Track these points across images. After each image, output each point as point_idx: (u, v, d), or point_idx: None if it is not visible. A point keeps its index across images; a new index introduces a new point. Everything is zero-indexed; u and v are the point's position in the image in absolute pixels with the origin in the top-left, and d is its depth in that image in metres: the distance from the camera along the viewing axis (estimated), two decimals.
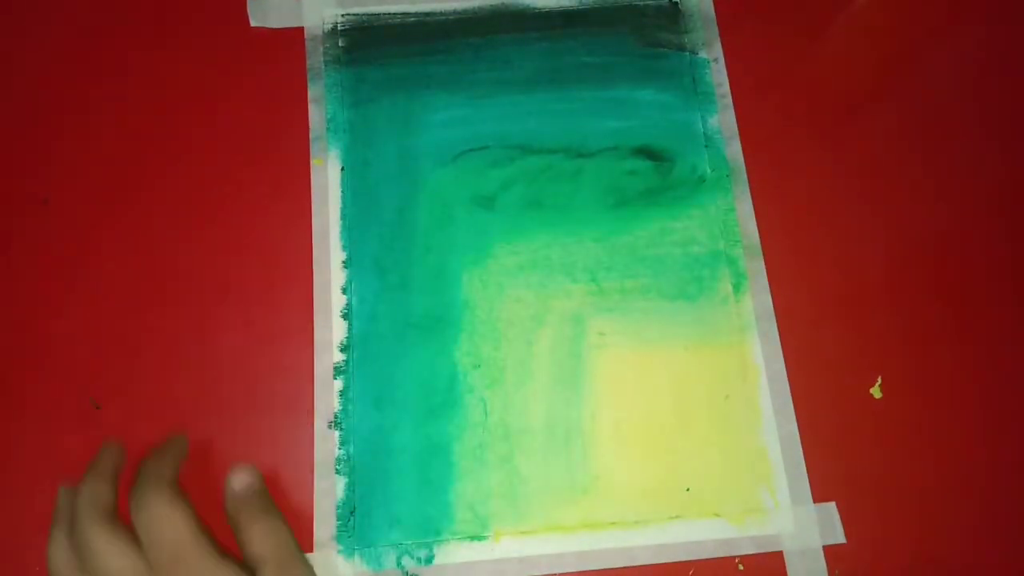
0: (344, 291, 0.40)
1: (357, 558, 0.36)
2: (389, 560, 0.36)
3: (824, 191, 0.42)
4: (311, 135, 0.42)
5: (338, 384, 0.38)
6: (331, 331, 0.39)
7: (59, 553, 0.31)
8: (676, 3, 0.46)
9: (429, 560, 0.36)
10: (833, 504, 0.37)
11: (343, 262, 0.40)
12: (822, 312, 0.40)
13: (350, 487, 0.37)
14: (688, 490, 0.37)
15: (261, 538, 0.32)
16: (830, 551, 0.36)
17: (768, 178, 0.42)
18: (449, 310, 0.39)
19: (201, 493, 0.33)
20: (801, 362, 0.39)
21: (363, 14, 0.45)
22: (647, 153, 0.42)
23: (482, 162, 0.42)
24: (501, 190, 0.42)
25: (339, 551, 0.36)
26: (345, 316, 0.39)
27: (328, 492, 0.37)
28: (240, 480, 0.34)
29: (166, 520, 0.30)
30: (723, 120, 0.43)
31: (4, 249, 0.40)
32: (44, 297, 0.39)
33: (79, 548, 0.31)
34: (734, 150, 0.43)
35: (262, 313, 0.39)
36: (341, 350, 0.39)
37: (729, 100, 0.44)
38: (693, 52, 0.45)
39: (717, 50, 0.45)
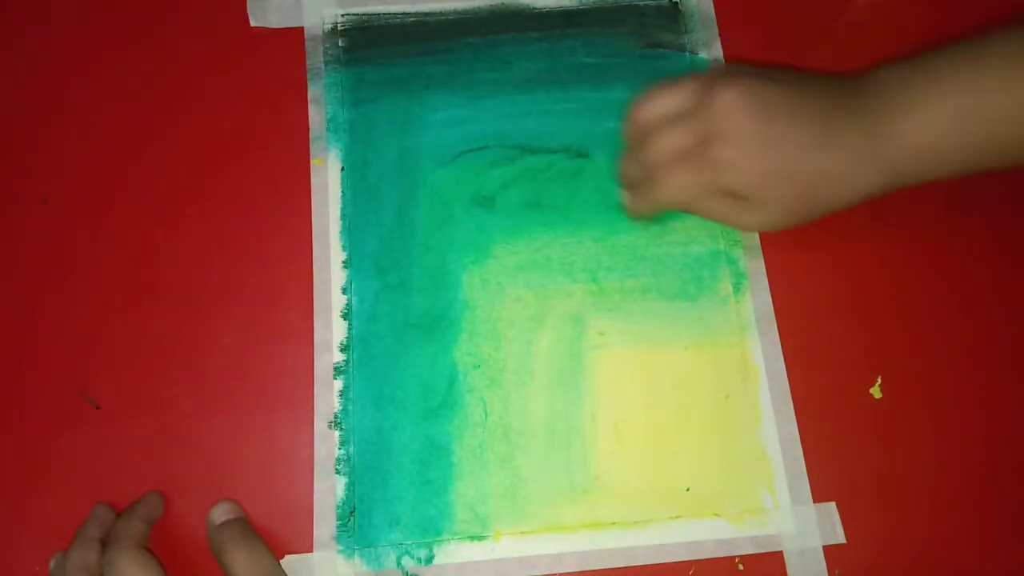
0: (344, 291, 0.40)
1: (357, 558, 0.36)
2: (389, 560, 0.36)
3: None
4: (311, 135, 0.42)
5: (338, 384, 0.38)
6: (331, 331, 0.39)
7: None
8: (676, 3, 0.46)
9: (429, 560, 0.36)
10: (833, 504, 0.37)
11: (343, 262, 0.40)
12: (822, 312, 0.40)
13: (350, 487, 0.37)
14: (688, 490, 0.37)
15: (245, 566, 0.33)
16: (830, 551, 0.36)
17: None
18: (449, 310, 0.39)
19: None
20: (801, 362, 0.39)
21: (363, 14, 0.45)
22: None
23: (482, 162, 0.42)
24: (501, 190, 0.42)
25: (339, 551, 0.36)
26: (345, 316, 0.39)
27: (328, 492, 0.37)
28: (221, 513, 0.35)
29: None
30: None
31: (4, 249, 0.40)
32: (44, 297, 0.39)
33: None
34: None
35: (262, 313, 0.39)
36: (341, 350, 0.39)
37: None
38: (693, 52, 0.45)
39: (717, 50, 0.45)
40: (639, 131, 0.37)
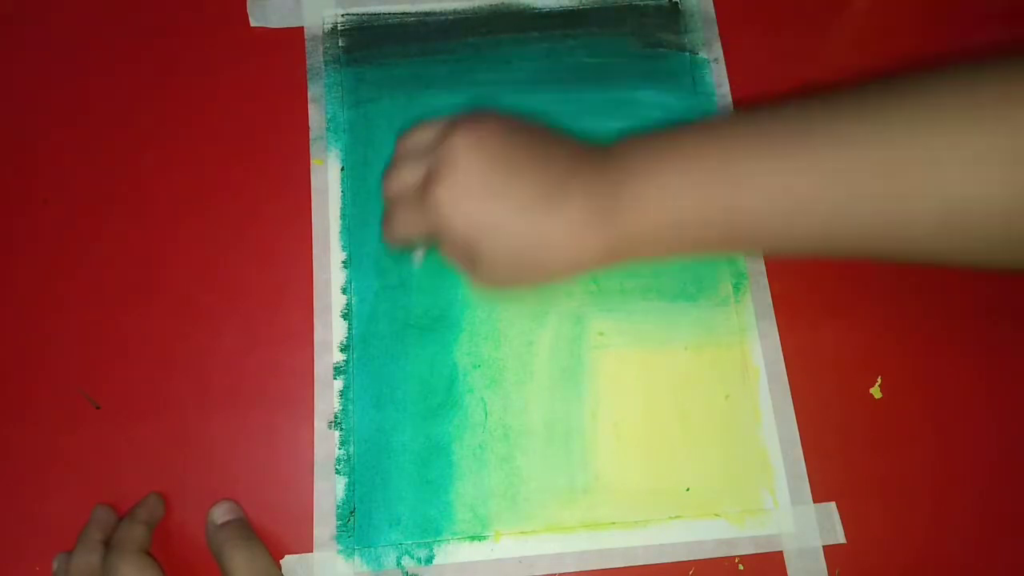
0: (344, 291, 0.40)
1: (357, 558, 0.36)
2: (389, 560, 0.36)
3: None
4: (311, 135, 0.42)
5: (338, 384, 0.38)
6: (331, 331, 0.39)
7: None
8: (676, 3, 0.46)
9: (429, 560, 0.36)
10: (833, 504, 0.37)
11: (343, 262, 0.40)
12: (822, 312, 0.40)
13: (350, 487, 0.37)
14: (688, 490, 0.37)
15: (244, 567, 0.33)
16: (830, 551, 0.36)
17: None
18: (449, 310, 0.39)
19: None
20: (801, 362, 0.39)
21: (363, 14, 0.45)
22: None
23: None
24: None
25: (339, 551, 0.36)
26: (345, 316, 0.39)
27: (328, 492, 0.37)
28: (220, 513, 0.35)
29: None
30: None
31: (4, 249, 0.40)
32: (44, 297, 0.39)
33: None
34: None
35: (262, 313, 0.39)
36: (341, 350, 0.39)
37: (729, 100, 0.44)
38: (693, 52, 0.45)
39: (717, 50, 0.45)
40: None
